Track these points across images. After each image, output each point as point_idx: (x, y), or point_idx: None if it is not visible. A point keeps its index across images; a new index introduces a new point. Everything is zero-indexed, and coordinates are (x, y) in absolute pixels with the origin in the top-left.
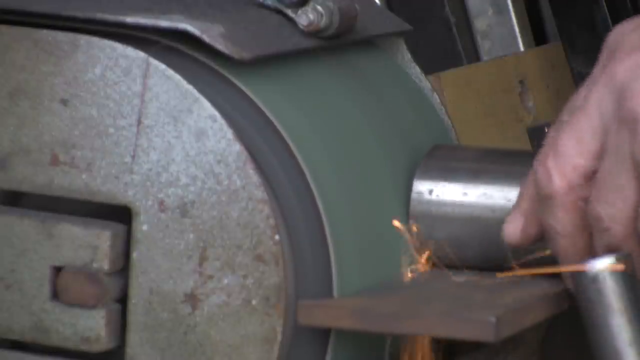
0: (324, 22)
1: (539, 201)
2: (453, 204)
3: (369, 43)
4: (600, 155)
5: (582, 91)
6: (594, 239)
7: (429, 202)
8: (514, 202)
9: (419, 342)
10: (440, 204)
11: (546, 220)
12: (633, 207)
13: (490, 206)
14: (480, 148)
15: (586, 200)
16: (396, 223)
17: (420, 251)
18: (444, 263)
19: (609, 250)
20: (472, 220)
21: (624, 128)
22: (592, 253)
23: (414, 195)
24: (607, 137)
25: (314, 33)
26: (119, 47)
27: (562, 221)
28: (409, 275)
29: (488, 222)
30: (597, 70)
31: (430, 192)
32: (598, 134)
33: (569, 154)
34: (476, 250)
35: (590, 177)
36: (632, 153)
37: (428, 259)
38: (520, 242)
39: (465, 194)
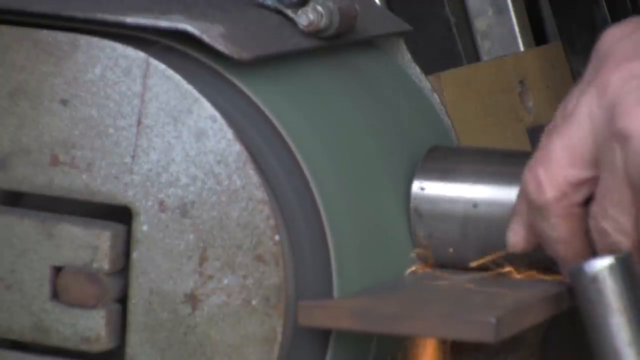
0: (324, 22)
1: (533, 210)
2: (452, 204)
3: (369, 43)
4: (592, 164)
5: (573, 97)
6: (601, 250)
7: (428, 201)
8: (514, 201)
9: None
10: (439, 203)
11: (542, 229)
12: (637, 220)
13: (490, 206)
14: (479, 148)
15: (580, 205)
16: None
17: (420, 251)
18: (444, 263)
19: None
20: (471, 220)
21: (616, 144)
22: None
23: (413, 194)
24: (598, 148)
25: (314, 33)
26: (119, 47)
27: (558, 229)
28: (409, 275)
29: (488, 222)
30: (587, 75)
31: (429, 191)
32: (589, 143)
33: (559, 164)
34: (476, 251)
35: (582, 184)
36: (625, 169)
37: (428, 260)
38: (525, 250)
39: (464, 194)
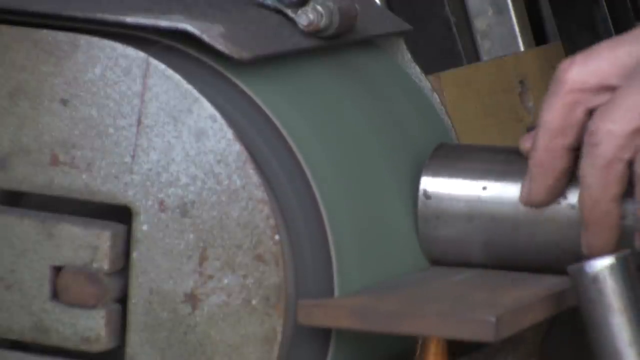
0: (324, 22)
1: (550, 91)
2: (458, 202)
3: (369, 43)
4: (625, 75)
5: None
6: (582, 155)
7: (435, 200)
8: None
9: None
10: (445, 202)
11: (544, 106)
12: (633, 129)
13: (496, 204)
14: (488, 147)
15: (586, 111)
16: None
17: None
18: (447, 262)
19: (588, 177)
20: (477, 218)
21: None
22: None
23: (420, 193)
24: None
25: (314, 33)
26: (119, 47)
27: (554, 110)
28: (410, 274)
29: (494, 221)
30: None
31: (435, 190)
32: (635, 56)
33: (599, 57)
34: (480, 249)
35: (603, 91)
36: None
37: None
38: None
39: (470, 192)
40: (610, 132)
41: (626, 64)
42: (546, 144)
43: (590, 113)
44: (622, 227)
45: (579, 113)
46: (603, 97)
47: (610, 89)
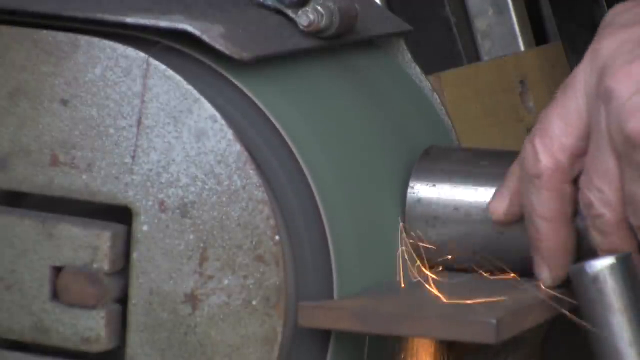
0: (324, 22)
1: (525, 180)
2: (449, 205)
3: (369, 43)
4: (587, 135)
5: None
6: (589, 227)
7: (426, 202)
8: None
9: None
10: (436, 204)
11: (529, 201)
12: (620, 190)
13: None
14: (476, 149)
15: (571, 183)
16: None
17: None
18: (443, 264)
19: (604, 244)
20: (469, 221)
21: (601, 105)
22: (580, 252)
23: (409, 196)
24: (590, 114)
25: (314, 33)
26: (119, 47)
27: (546, 203)
28: (409, 276)
29: (484, 223)
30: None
31: (426, 192)
32: (584, 113)
33: (555, 133)
34: (473, 251)
35: (578, 157)
36: (608, 130)
37: (428, 261)
38: (504, 220)
39: (461, 194)
40: (605, 200)
41: (579, 125)
42: (550, 234)
43: (575, 180)
44: None
45: (567, 189)
46: (579, 164)
47: (582, 153)
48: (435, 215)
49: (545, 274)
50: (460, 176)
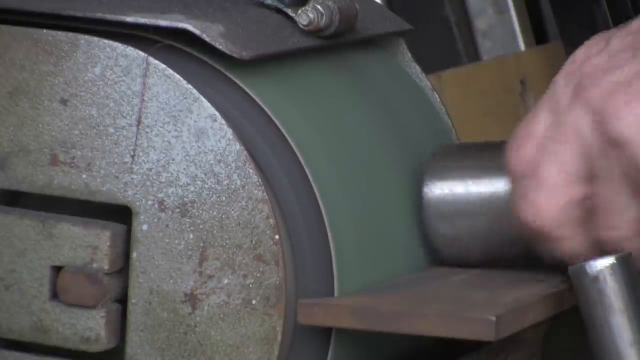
0: (324, 21)
1: (535, 238)
2: (459, 202)
3: (369, 42)
4: (589, 179)
5: (541, 110)
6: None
7: (437, 200)
8: None
9: None
10: (447, 202)
11: (552, 254)
12: (633, 219)
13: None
14: (489, 143)
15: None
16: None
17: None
18: (448, 261)
19: None
20: (478, 217)
21: (611, 150)
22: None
23: (424, 193)
24: (593, 161)
25: (314, 32)
26: (118, 46)
27: (571, 249)
28: (410, 274)
29: (494, 220)
30: (562, 91)
31: (437, 190)
32: (582, 160)
33: (555, 183)
34: (482, 248)
35: (583, 200)
36: (626, 174)
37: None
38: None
39: (471, 191)
40: (623, 238)
41: (577, 169)
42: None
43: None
44: None
45: (580, 230)
46: (585, 204)
47: (588, 198)
48: (453, 210)
49: None
50: (473, 171)
